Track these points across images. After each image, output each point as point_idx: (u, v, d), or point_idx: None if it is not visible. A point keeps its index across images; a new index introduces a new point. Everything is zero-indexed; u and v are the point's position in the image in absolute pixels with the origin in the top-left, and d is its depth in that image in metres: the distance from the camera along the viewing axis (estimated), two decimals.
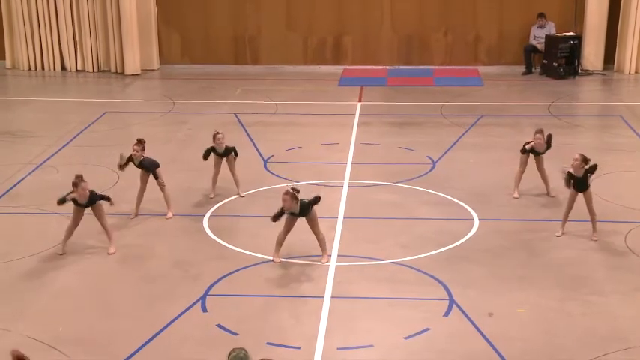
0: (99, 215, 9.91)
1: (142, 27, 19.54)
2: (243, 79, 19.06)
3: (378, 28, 20.01)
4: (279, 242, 9.71)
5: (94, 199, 9.76)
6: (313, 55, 20.25)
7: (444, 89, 18.11)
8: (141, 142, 10.89)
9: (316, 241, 9.70)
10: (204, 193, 11.82)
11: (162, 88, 18.85)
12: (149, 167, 10.90)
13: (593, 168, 10.13)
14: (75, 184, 9.69)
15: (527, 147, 11.47)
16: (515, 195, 11.63)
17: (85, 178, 9.75)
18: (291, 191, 9.36)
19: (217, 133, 11.52)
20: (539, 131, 11.50)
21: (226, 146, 11.52)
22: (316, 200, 9.56)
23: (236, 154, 11.60)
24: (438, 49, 20.05)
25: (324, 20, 20.01)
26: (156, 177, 10.92)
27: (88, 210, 9.89)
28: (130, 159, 10.93)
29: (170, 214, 11.07)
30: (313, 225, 9.58)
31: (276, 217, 9.51)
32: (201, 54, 20.27)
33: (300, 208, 9.42)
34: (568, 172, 10.16)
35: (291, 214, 9.50)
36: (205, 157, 11.50)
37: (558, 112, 15.87)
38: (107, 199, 9.90)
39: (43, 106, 16.95)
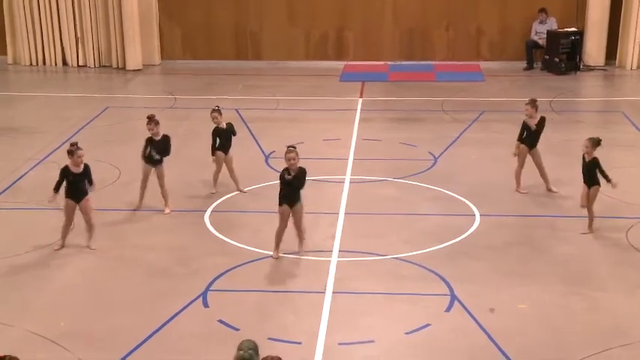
0: (87, 209, 9.88)
1: (144, 22, 19.53)
2: (245, 75, 19.04)
3: (380, 23, 19.99)
4: (279, 238, 9.72)
5: (87, 173, 9.72)
6: (315, 51, 20.23)
7: (445, 85, 18.09)
8: (152, 119, 10.84)
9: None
10: (206, 189, 11.82)
11: (164, 83, 18.84)
12: (165, 144, 10.85)
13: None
14: (70, 152, 9.68)
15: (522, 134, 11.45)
16: (522, 190, 11.60)
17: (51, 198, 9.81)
18: (293, 148, 9.42)
19: (213, 110, 11.51)
20: (531, 101, 11.44)
21: (228, 124, 11.53)
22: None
23: (234, 133, 11.64)
24: (440, 44, 20.03)
25: (325, 15, 19.98)
26: (168, 151, 10.94)
27: (100, 206, 9.90)
28: (148, 145, 10.88)
29: (168, 210, 11.07)
30: (297, 219, 9.57)
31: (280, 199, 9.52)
32: (202, 49, 20.24)
33: (300, 170, 9.47)
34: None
35: (288, 187, 9.47)
36: (214, 139, 11.51)
37: (560, 107, 15.85)
38: (90, 182, 9.86)
39: (45, 101, 16.95)
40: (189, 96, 17.25)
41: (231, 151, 11.65)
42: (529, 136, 11.47)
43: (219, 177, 11.68)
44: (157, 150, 10.85)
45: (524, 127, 11.47)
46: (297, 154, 9.44)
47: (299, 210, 9.57)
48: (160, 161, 10.95)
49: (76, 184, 9.74)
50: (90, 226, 10.01)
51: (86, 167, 9.79)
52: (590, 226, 10.29)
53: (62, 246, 9.97)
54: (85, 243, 10.02)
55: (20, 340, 8.02)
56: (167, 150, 10.96)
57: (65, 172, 9.75)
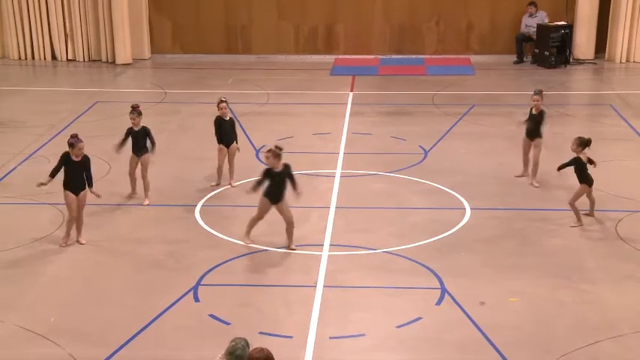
0: (82, 203, 9.82)
1: (133, 16, 19.44)
2: (235, 69, 19.00)
3: (370, 17, 19.96)
4: (251, 226, 9.79)
5: (85, 164, 9.67)
6: (305, 45, 20.20)
7: (435, 78, 18.10)
8: (135, 109, 10.94)
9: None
10: (196, 183, 11.81)
11: (154, 77, 18.78)
12: (148, 133, 10.96)
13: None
14: (71, 145, 9.62)
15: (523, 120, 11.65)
16: (518, 174, 11.80)
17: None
18: (274, 148, 9.45)
19: (221, 101, 11.49)
20: (540, 92, 11.59)
21: (231, 118, 11.53)
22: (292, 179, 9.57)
23: (236, 140, 11.68)
24: (430, 38, 20.03)
25: (316, 9, 19.95)
26: (152, 142, 11.00)
27: (91, 200, 9.90)
28: (128, 133, 10.99)
29: (147, 202, 11.08)
30: (282, 211, 9.60)
31: (255, 187, 9.61)
32: (192, 43, 20.18)
33: (284, 168, 9.50)
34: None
35: (270, 186, 9.52)
36: (216, 129, 11.48)
37: (550, 101, 15.84)
38: (90, 183, 9.86)
39: (34, 95, 16.88)
40: (179, 90, 17.21)
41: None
42: (530, 127, 11.59)
43: (222, 171, 11.68)
44: (136, 140, 10.97)
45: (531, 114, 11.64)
46: (272, 154, 9.44)
47: (281, 205, 9.59)
48: (144, 152, 11.01)
49: (74, 173, 9.69)
50: (80, 221, 9.98)
51: (85, 158, 9.72)
52: (579, 219, 10.33)
53: (67, 242, 9.90)
54: (74, 237, 9.99)
55: (9, 335, 8.00)
56: (150, 140, 11.03)
57: (65, 158, 9.66)
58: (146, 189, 11.13)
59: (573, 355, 7.62)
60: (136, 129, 10.98)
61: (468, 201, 11.16)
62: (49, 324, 8.16)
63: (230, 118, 11.61)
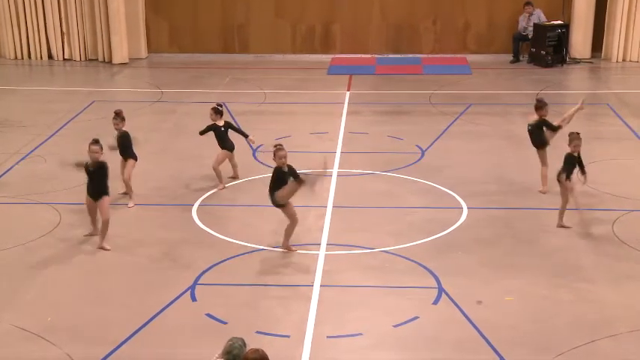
0: (101, 209, 9.72)
1: (130, 15, 19.42)
2: (232, 68, 18.99)
3: (368, 16, 19.97)
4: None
5: (99, 170, 9.62)
6: (302, 44, 20.20)
7: (432, 78, 18.10)
8: (118, 115, 10.94)
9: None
10: (193, 183, 11.80)
11: (151, 77, 18.76)
12: (118, 140, 10.89)
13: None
14: (89, 146, 9.69)
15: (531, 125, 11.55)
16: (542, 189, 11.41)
17: (73, 167, 9.77)
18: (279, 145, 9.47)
19: (211, 108, 11.53)
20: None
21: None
22: (297, 177, 9.43)
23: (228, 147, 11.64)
24: (427, 37, 20.04)
25: (313, 8, 19.95)
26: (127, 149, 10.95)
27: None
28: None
29: (131, 204, 11.03)
30: (285, 211, 9.58)
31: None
32: (189, 43, 20.17)
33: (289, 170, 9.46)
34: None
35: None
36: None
37: (546, 100, 15.84)
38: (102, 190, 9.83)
39: (30, 95, 16.85)
40: (176, 89, 17.20)
41: (216, 145, 11.62)
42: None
43: (235, 171, 11.80)
44: (117, 144, 10.94)
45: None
46: (276, 149, 9.44)
47: (286, 207, 9.56)
48: (125, 154, 10.97)
49: (89, 177, 9.67)
50: (103, 226, 9.84)
51: (99, 165, 9.63)
52: (561, 217, 10.35)
53: (92, 234, 10.00)
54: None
55: (6, 334, 7.99)
56: (119, 146, 10.92)
57: (85, 165, 9.70)
58: (127, 191, 11.13)
59: (570, 353, 7.63)
60: (116, 134, 10.93)
61: (465, 200, 11.17)
62: (45, 323, 8.15)
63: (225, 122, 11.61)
